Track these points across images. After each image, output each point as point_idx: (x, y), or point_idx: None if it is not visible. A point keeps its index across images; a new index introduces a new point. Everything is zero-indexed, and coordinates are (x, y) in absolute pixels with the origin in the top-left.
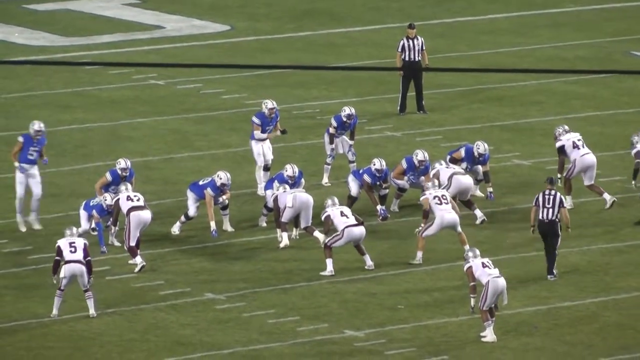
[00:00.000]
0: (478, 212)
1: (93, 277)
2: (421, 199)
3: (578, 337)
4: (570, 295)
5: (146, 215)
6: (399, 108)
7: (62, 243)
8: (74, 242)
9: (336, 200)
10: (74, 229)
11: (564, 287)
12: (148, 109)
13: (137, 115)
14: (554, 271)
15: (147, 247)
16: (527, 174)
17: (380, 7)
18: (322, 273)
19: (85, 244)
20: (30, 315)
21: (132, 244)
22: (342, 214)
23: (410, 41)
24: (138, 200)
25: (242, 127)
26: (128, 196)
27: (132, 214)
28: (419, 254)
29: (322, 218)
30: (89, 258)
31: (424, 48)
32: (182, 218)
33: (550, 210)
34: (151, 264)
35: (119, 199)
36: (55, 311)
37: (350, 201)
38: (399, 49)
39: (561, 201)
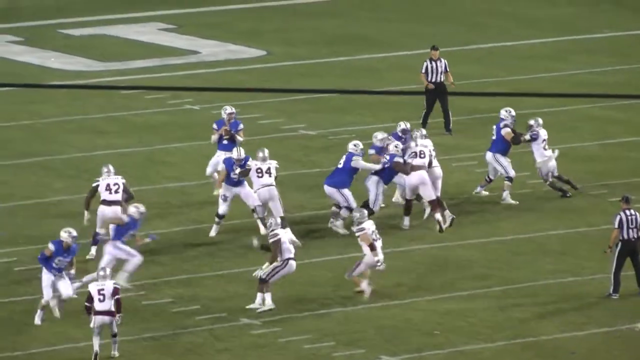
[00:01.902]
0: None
1: (121, 315)
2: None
3: None
4: (606, 321)
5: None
6: (421, 124)
7: (93, 290)
8: (102, 290)
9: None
10: (107, 270)
11: (600, 311)
12: (183, 134)
13: (173, 140)
14: None
15: (183, 272)
16: (562, 199)
17: (415, 33)
18: (251, 306)
19: (115, 288)
20: (67, 339)
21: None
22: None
23: (434, 63)
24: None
25: (279, 152)
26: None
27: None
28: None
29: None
30: (117, 297)
31: (447, 69)
32: (216, 219)
33: (633, 230)
34: (188, 290)
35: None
36: (95, 348)
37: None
38: (423, 71)
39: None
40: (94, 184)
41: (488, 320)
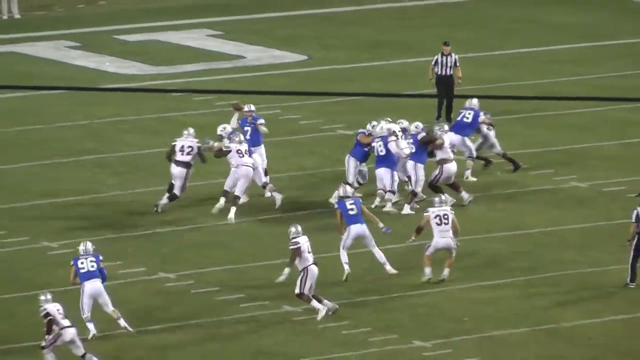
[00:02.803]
0: (464, 195)
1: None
2: (424, 214)
3: (633, 348)
4: (624, 309)
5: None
6: (436, 116)
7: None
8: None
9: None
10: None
11: (618, 300)
12: None
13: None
14: None
15: (229, 262)
16: (583, 196)
17: (448, 37)
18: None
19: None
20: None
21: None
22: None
23: (445, 57)
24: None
25: (319, 151)
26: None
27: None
28: (427, 270)
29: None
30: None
31: (457, 64)
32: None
33: None
34: (233, 278)
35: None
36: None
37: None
38: (433, 63)
39: None
40: (173, 143)
41: (513, 308)
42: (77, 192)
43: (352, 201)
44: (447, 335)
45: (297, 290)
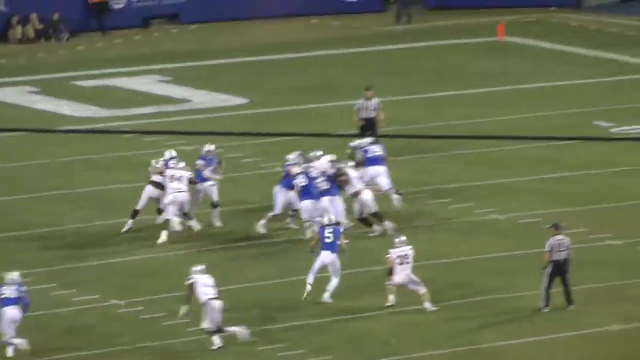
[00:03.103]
0: (379, 228)
1: None
2: (387, 256)
3: None
4: (540, 331)
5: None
6: None
7: None
8: None
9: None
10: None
11: (535, 323)
12: None
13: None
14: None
15: (176, 290)
16: (502, 227)
17: (376, 82)
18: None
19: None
20: (73, 349)
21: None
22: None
23: (367, 101)
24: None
25: (259, 188)
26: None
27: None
28: (391, 298)
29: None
30: None
31: (379, 107)
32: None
33: (562, 252)
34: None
35: None
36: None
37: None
38: (357, 108)
39: (570, 244)
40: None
41: (437, 331)
42: (38, 225)
43: (331, 230)
44: (376, 356)
45: (205, 326)
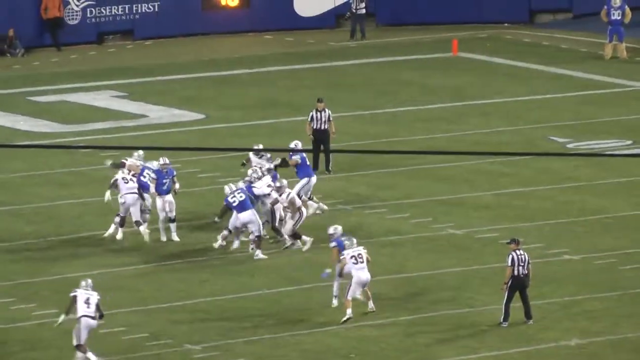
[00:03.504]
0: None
1: None
2: (341, 257)
3: None
4: (497, 346)
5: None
6: (312, 166)
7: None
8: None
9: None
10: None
11: (491, 338)
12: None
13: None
14: (532, 316)
15: (135, 304)
16: (459, 242)
17: (332, 98)
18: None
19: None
20: None
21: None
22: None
23: (319, 113)
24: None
25: (216, 202)
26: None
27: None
28: (348, 311)
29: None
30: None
31: (330, 119)
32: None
33: (523, 267)
34: (138, 318)
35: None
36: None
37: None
38: (309, 119)
39: (529, 259)
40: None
41: (396, 345)
42: None
43: (345, 239)
44: None
45: (74, 342)
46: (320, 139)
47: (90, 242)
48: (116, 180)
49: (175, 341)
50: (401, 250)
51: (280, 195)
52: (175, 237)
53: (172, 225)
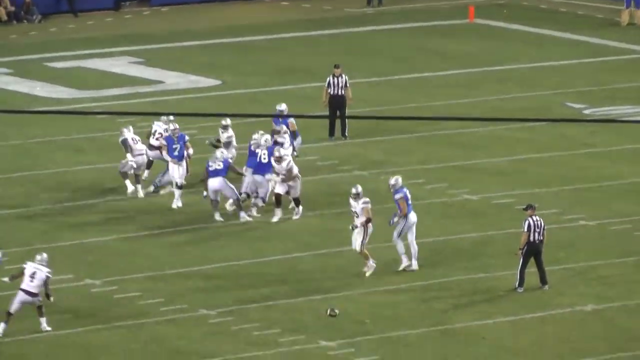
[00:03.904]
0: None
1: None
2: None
3: (520, 346)
4: (512, 311)
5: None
6: (328, 133)
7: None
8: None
9: None
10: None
11: (507, 303)
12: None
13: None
14: (547, 281)
15: (149, 270)
16: (475, 207)
17: (349, 64)
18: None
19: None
20: (53, 326)
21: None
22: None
23: (336, 79)
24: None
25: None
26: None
27: None
28: (370, 261)
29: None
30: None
31: (347, 85)
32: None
33: (538, 233)
34: (154, 284)
35: None
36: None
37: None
38: (326, 85)
39: (544, 225)
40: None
41: (411, 311)
42: (11, 206)
43: (407, 190)
44: (350, 335)
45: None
46: (337, 104)
47: (105, 208)
48: (126, 139)
49: (190, 306)
50: (417, 216)
51: (280, 164)
52: (176, 204)
53: (177, 192)
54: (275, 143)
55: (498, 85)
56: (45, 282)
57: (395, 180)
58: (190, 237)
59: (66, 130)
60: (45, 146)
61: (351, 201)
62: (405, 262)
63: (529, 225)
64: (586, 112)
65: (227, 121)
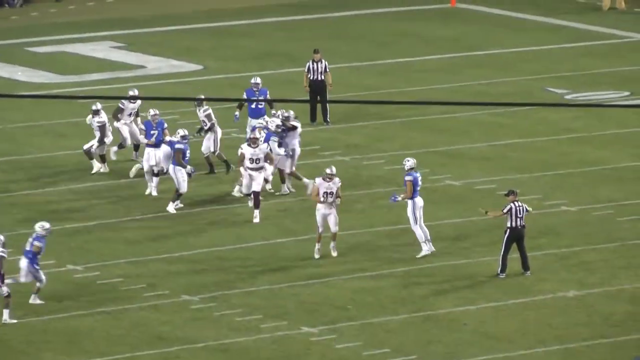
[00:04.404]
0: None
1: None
2: (313, 183)
3: (502, 332)
4: (494, 297)
5: None
6: (309, 118)
7: None
8: None
9: None
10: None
11: (489, 289)
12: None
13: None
14: (529, 267)
15: (132, 255)
16: (457, 193)
17: (329, 49)
18: None
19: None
20: (32, 313)
21: None
22: None
23: (315, 64)
24: None
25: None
26: None
27: None
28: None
29: None
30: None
31: (327, 70)
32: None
33: (520, 219)
34: (136, 269)
35: None
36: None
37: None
38: (306, 70)
39: (526, 209)
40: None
41: (393, 297)
42: None
43: (419, 176)
44: (332, 321)
45: None
46: (317, 90)
47: (88, 193)
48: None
49: (172, 292)
50: (399, 202)
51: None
52: (154, 192)
53: (155, 180)
54: (286, 128)
55: (479, 70)
56: None
57: (406, 161)
58: (172, 223)
59: (48, 115)
60: (27, 131)
61: (323, 182)
62: (425, 250)
63: (510, 210)
64: (568, 97)
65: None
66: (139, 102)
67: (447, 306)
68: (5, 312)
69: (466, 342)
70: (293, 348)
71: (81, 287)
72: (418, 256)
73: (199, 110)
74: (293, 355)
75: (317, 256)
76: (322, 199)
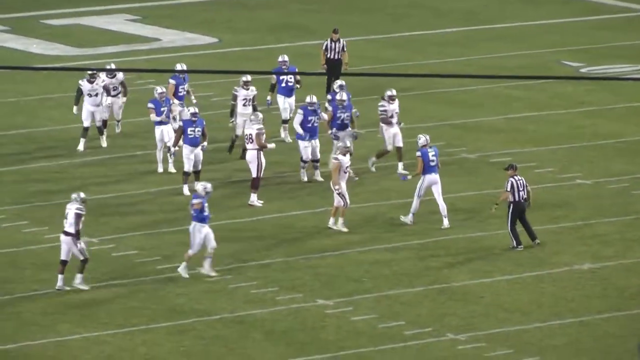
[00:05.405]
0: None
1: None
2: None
3: (517, 305)
4: (509, 269)
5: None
6: (326, 92)
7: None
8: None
9: None
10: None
11: (504, 261)
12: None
13: (138, 115)
14: (536, 235)
15: (148, 228)
16: (472, 166)
17: (345, 22)
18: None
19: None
20: (49, 286)
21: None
22: None
23: (333, 43)
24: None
25: (228, 126)
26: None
27: None
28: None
29: None
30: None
31: (344, 49)
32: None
33: (522, 192)
34: (152, 242)
35: None
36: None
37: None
38: (324, 49)
39: (527, 183)
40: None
41: (409, 269)
42: (7, 163)
43: (433, 152)
44: (347, 294)
45: None
46: (333, 68)
47: (102, 166)
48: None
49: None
50: (409, 180)
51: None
52: (171, 169)
53: (170, 156)
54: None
55: (495, 43)
56: (76, 220)
57: (419, 138)
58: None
59: (63, 87)
60: (42, 104)
61: (341, 157)
62: (405, 219)
63: (512, 185)
64: (583, 70)
65: (248, 77)
66: (119, 75)
67: (462, 279)
68: (79, 277)
69: (481, 314)
70: (308, 320)
71: (97, 259)
72: (402, 220)
73: (244, 89)
74: (308, 328)
75: (334, 227)
76: (345, 172)
